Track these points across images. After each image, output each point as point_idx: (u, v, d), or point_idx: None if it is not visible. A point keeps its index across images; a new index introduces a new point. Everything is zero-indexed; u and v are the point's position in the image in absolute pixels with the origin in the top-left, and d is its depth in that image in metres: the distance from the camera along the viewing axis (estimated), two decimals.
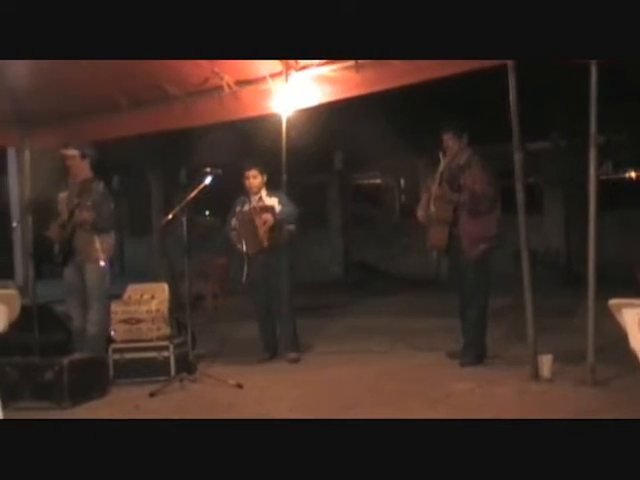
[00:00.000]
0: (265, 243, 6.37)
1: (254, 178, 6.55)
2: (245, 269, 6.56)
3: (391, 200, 17.45)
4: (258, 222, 6.34)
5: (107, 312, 6.26)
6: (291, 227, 6.56)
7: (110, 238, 6.29)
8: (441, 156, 6.10)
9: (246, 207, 6.57)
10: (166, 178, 12.00)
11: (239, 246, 6.57)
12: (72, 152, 6.29)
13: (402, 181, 17.28)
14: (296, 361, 6.55)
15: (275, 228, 6.39)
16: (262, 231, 6.34)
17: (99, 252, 6.16)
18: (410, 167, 15.59)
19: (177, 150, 11.55)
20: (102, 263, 6.17)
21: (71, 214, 6.19)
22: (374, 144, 12.35)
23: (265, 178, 6.58)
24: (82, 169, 6.32)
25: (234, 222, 6.59)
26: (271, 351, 6.73)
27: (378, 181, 17.94)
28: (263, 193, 6.56)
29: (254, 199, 6.56)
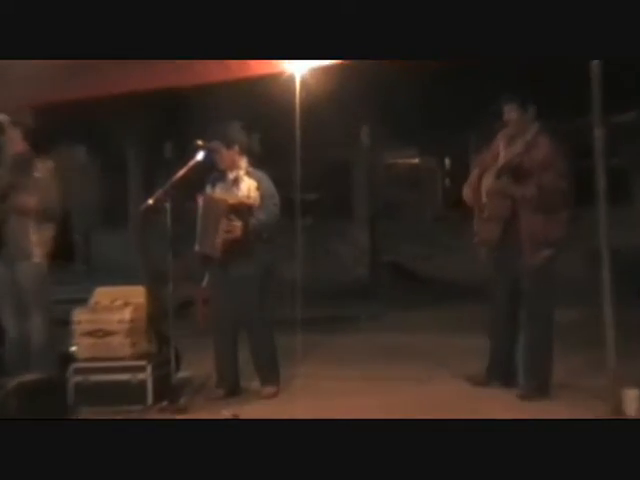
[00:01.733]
0: (217, 253, 6.26)
1: (217, 153, 6.43)
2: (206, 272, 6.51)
3: (432, 185, 17.44)
4: (221, 226, 6.18)
5: (51, 319, 6.28)
6: (264, 235, 6.41)
7: (50, 229, 6.31)
8: (501, 146, 6.08)
9: (218, 189, 6.48)
10: (147, 151, 12.04)
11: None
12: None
13: (447, 161, 17.25)
14: (272, 396, 6.37)
15: (238, 242, 6.24)
16: (220, 239, 6.19)
17: (34, 246, 6.17)
18: (457, 143, 15.54)
19: (163, 117, 11.59)
20: (37, 260, 6.19)
21: (2, 196, 6.18)
22: (411, 114, 12.31)
23: (238, 149, 6.43)
24: (14, 140, 6.33)
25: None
26: (227, 386, 6.51)
27: (416, 161, 17.92)
28: (241, 171, 6.45)
29: (229, 178, 6.45)
